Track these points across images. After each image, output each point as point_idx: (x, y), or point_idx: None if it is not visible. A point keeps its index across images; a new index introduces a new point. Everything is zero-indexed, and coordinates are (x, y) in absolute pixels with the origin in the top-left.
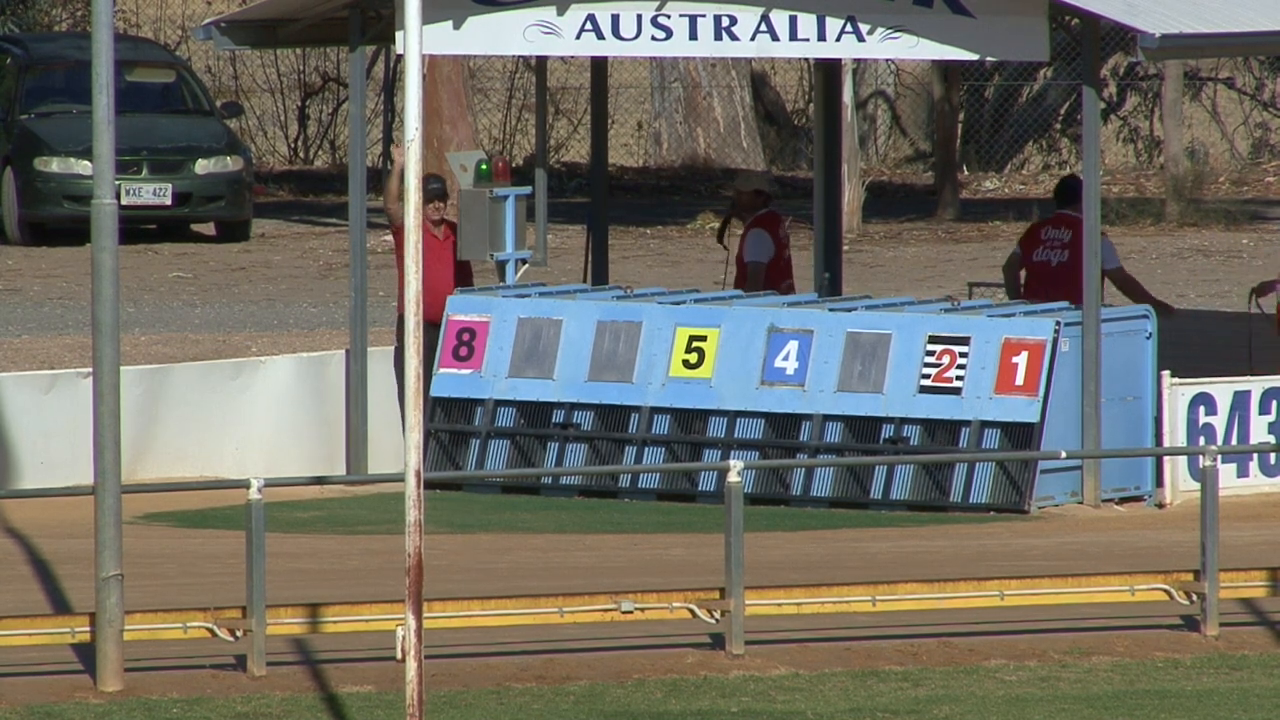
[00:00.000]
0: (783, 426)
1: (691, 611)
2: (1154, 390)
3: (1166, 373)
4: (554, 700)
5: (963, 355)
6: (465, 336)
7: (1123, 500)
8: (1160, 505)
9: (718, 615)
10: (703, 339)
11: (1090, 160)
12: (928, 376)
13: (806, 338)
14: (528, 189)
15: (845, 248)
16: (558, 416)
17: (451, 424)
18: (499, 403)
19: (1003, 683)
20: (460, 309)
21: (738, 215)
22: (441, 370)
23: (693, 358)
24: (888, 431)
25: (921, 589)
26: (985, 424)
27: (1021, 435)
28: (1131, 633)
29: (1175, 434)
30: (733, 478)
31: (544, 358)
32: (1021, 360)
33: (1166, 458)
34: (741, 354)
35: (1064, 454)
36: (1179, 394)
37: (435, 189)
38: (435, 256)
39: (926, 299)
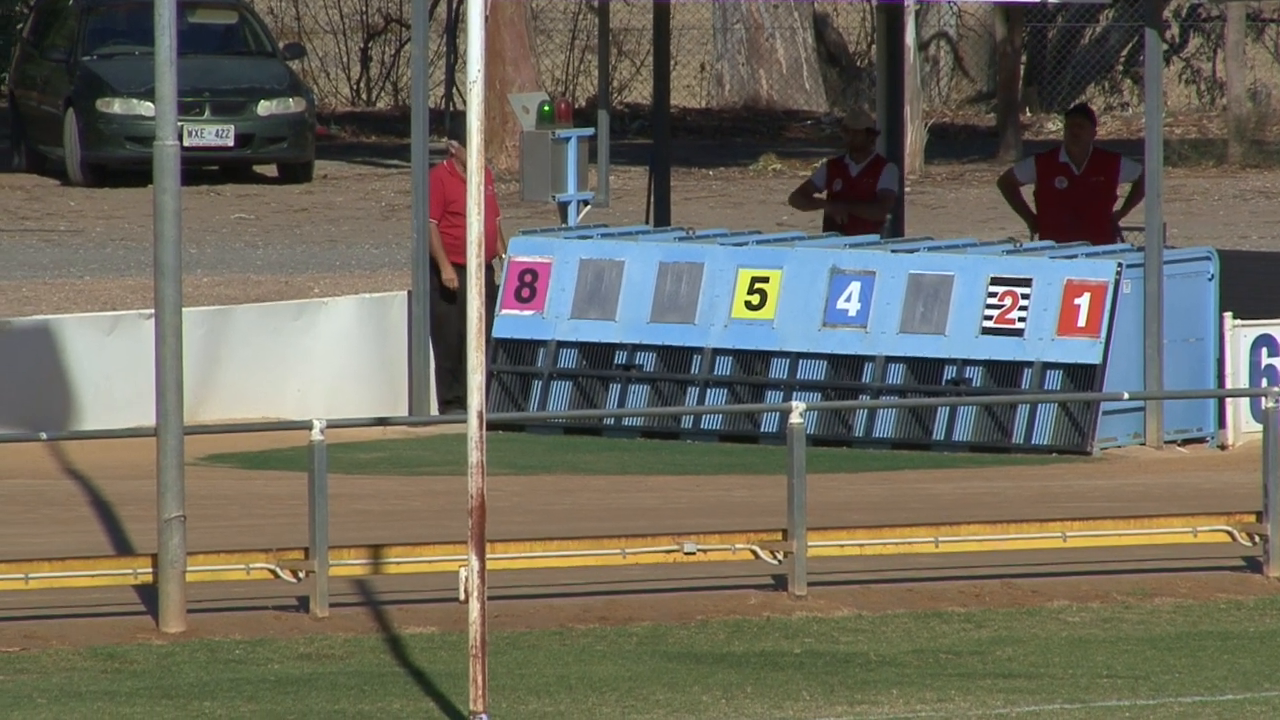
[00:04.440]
0: (845, 368)
1: (754, 553)
2: (1216, 332)
3: (1229, 314)
4: (617, 641)
5: (1025, 297)
6: (527, 278)
7: (1185, 442)
8: (1222, 446)
9: (780, 556)
10: (765, 280)
11: (1153, 102)
12: (990, 318)
13: (869, 279)
14: (590, 130)
15: (907, 189)
16: (620, 358)
17: (514, 365)
18: (561, 344)
19: (1065, 624)
20: (522, 250)
21: (851, 155)
22: (504, 312)
23: (755, 299)
24: (950, 373)
25: (984, 530)
26: (1047, 365)
27: (1084, 376)
28: (1194, 574)
29: (1238, 375)
30: (795, 419)
31: (606, 299)
32: (1084, 302)
33: (1229, 399)
34: (804, 295)
35: (1126, 395)
36: (1241, 335)
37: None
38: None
39: (988, 240)
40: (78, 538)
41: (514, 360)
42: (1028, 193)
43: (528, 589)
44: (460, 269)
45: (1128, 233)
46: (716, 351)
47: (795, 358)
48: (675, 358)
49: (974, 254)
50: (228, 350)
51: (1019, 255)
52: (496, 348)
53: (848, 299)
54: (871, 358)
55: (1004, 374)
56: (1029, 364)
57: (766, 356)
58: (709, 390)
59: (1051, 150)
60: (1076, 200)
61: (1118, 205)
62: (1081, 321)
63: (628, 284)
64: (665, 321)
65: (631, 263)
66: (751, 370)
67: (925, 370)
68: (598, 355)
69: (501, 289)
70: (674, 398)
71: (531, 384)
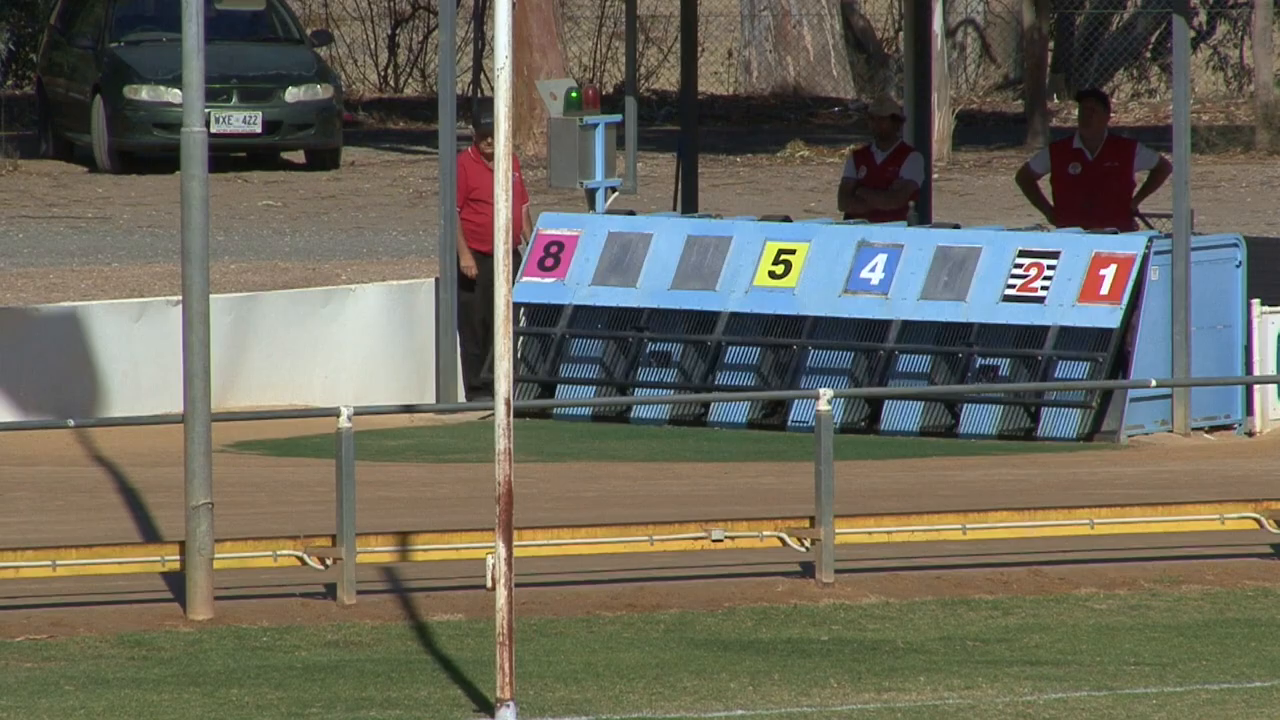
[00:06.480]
0: (865, 334)
1: (781, 540)
2: (1244, 318)
3: (1257, 301)
4: (644, 629)
5: (1050, 268)
6: (553, 249)
7: (1213, 429)
8: (1250, 433)
9: (808, 544)
10: (791, 252)
11: (1180, 89)
12: (1013, 287)
13: (895, 251)
14: (618, 117)
15: (935, 176)
16: (640, 323)
17: (534, 327)
18: (579, 308)
19: (1093, 611)
20: (551, 225)
21: (877, 143)
22: (524, 279)
23: (779, 269)
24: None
25: (1012, 517)
26: (1065, 330)
27: (1102, 342)
28: (1221, 561)
29: (1265, 362)
30: (822, 406)
31: (629, 268)
32: (1109, 272)
33: (1256, 386)
34: (829, 265)
35: (1154, 382)
36: (1269, 322)
37: (488, 124)
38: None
39: (1015, 227)
40: (105, 525)
41: (534, 323)
42: (1045, 183)
43: (555, 576)
44: (481, 256)
45: (1150, 219)
46: (735, 316)
47: (814, 322)
48: (695, 322)
49: (1004, 230)
50: (255, 337)
51: (1049, 233)
52: (517, 310)
53: (872, 269)
54: (890, 323)
55: (1023, 338)
56: (1047, 329)
57: (786, 321)
58: (728, 349)
59: (1066, 137)
60: (1090, 185)
61: (1134, 192)
62: (1105, 289)
63: (653, 254)
64: (686, 288)
65: (659, 235)
66: (771, 336)
67: (946, 335)
68: (617, 320)
69: (525, 259)
70: (694, 365)
71: (550, 346)
